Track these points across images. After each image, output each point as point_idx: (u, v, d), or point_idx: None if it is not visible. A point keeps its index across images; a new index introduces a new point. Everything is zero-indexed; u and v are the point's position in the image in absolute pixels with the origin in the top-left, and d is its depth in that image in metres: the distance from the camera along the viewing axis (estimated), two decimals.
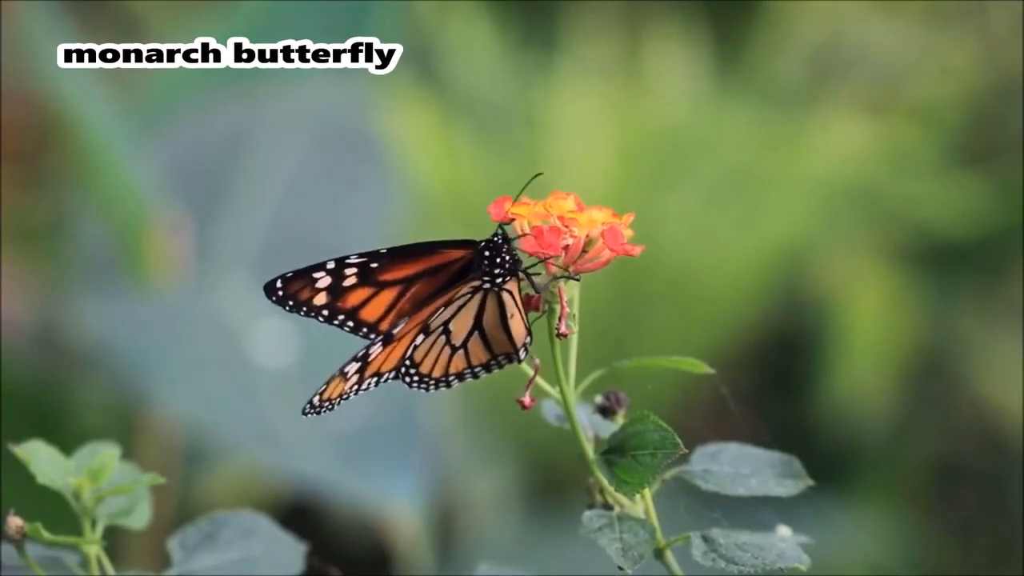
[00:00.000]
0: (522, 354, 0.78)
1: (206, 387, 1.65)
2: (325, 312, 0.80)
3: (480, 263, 0.78)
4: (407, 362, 0.79)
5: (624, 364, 0.79)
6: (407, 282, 0.80)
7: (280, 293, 0.80)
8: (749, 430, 0.88)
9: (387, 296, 0.80)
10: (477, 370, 0.79)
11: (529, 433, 1.97)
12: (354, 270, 0.79)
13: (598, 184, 2.04)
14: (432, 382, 0.79)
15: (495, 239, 0.78)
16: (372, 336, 0.80)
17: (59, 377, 1.84)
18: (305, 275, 0.80)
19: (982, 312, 2.18)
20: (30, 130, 2.10)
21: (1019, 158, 2.20)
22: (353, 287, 0.80)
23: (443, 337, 0.78)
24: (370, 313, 0.80)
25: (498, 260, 0.78)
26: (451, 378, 0.79)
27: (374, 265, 0.79)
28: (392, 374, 0.79)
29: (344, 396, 0.79)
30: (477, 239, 0.79)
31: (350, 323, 0.80)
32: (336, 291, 0.80)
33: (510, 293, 0.78)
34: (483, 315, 0.78)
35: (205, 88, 1.83)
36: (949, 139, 2.23)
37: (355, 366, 0.78)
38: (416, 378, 0.79)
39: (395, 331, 0.78)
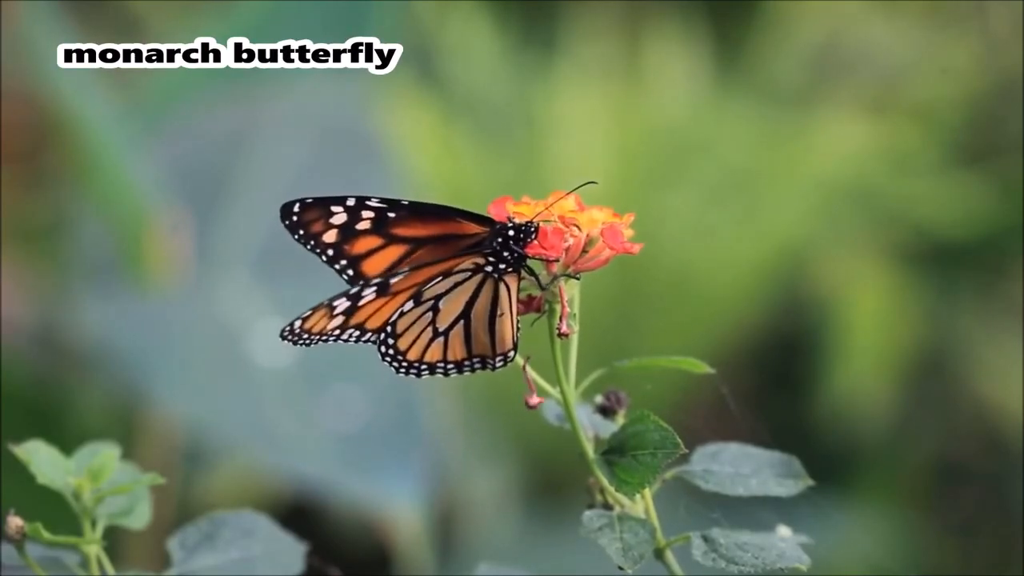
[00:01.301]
0: (498, 362, 0.77)
1: (206, 387, 1.65)
2: (330, 252, 0.79)
3: (493, 241, 0.77)
4: (388, 328, 0.77)
5: (624, 364, 0.79)
6: (416, 243, 0.79)
7: (295, 218, 0.79)
8: (749, 430, 0.88)
9: (393, 252, 0.79)
10: (450, 367, 0.78)
11: (529, 433, 1.97)
12: (371, 214, 0.78)
13: (598, 183, 2.04)
14: (404, 363, 0.78)
15: (526, 225, 0.77)
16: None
17: (59, 377, 1.84)
18: (323, 205, 0.79)
19: (982, 312, 2.18)
20: (30, 130, 2.09)
21: (1019, 158, 2.20)
22: (365, 232, 0.79)
23: (430, 314, 0.77)
24: (372, 266, 0.79)
25: (511, 244, 0.77)
26: (423, 367, 0.78)
27: (391, 215, 0.78)
28: (373, 336, 0.78)
29: (324, 335, 0.78)
30: (495, 219, 0.78)
31: (350, 271, 0.79)
32: (347, 232, 0.79)
33: (508, 289, 0.77)
34: (475, 302, 0.77)
35: (205, 88, 1.83)
36: (949, 139, 2.23)
37: (344, 304, 0.77)
38: (391, 352, 0.78)
39: (393, 281, 0.77)
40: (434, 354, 0.78)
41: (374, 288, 0.77)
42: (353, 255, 0.79)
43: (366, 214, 0.79)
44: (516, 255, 0.77)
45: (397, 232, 0.79)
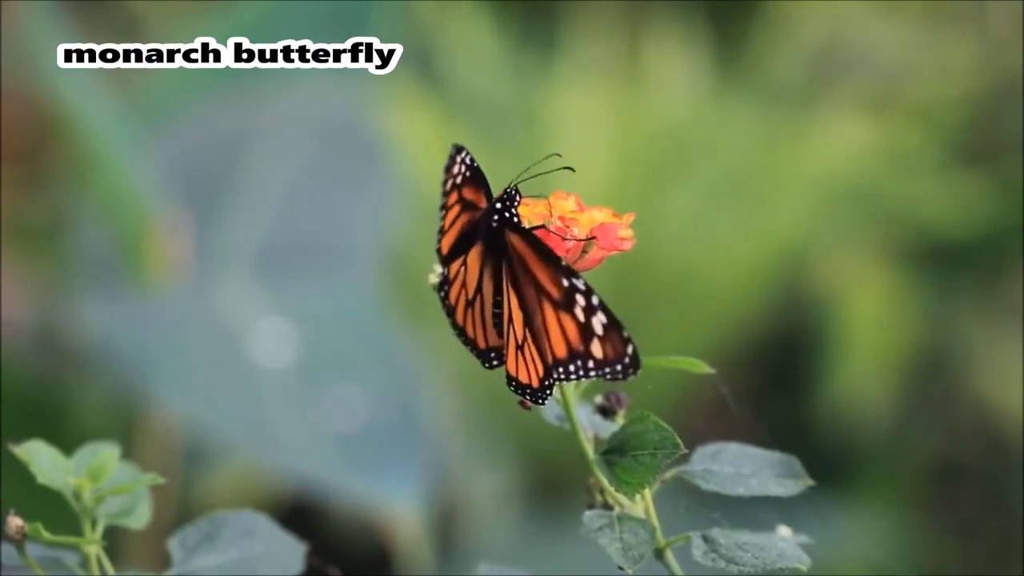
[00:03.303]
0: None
1: (206, 387, 1.65)
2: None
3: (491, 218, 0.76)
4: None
5: None
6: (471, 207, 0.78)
7: None
8: (749, 430, 0.88)
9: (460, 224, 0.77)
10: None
11: (529, 433, 1.97)
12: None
13: (598, 184, 2.04)
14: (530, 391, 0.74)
15: (507, 191, 0.77)
16: None
17: (59, 377, 1.84)
18: None
19: (982, 312, 2.18)
20: (30, 130, 2.10)
21: (1019, 158, 2.20)
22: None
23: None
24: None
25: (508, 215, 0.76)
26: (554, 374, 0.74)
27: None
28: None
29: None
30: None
31: None
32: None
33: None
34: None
35: (205, 88, 1.83)
36: (949, 139, 2.23)
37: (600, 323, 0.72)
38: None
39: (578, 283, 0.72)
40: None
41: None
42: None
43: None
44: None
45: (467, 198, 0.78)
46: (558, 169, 0.80)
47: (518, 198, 0.76)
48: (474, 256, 0.76)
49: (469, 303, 0.76)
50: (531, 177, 0.78)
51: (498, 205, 0.76)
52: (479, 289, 0.76)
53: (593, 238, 0.76)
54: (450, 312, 0.76)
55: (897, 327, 2.14)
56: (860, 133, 2.20)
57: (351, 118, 1.83)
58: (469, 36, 2.22)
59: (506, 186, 0.77)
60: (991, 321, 2.17)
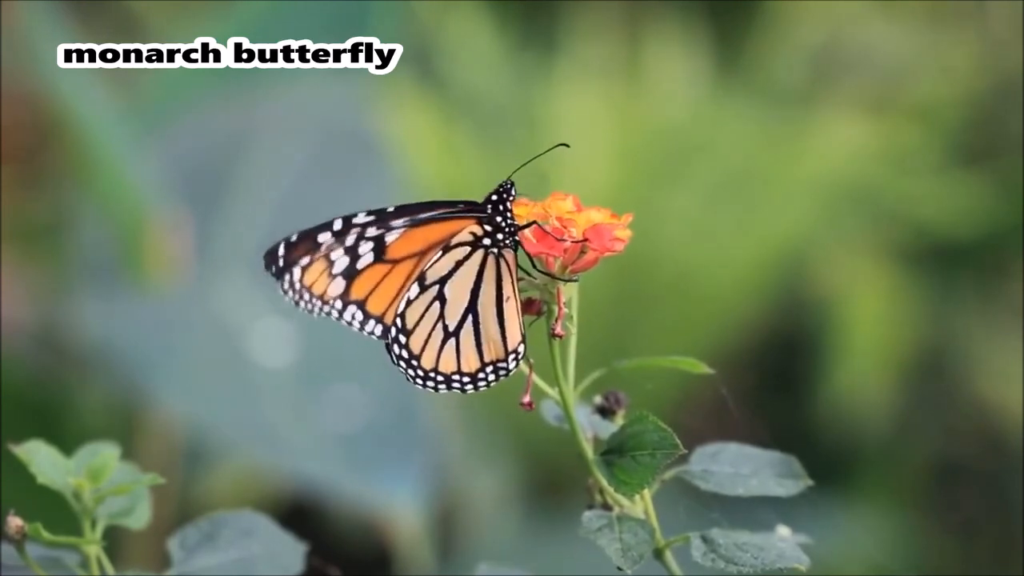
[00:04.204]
0: (511, 363, 0.76)
1: (206, 387, 1.65)
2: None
3: (484, 209, 0.76)
4: (397, 323, 0.75)
5: (623, 364, 0.79)
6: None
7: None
8: (749, 430, 0.88)
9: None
10: (465, 380, 0.76)
11: (529, 433, 1.97)
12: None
13: (598, 184, 2.04)
14: (420, 371, 0.76)
15: (503, 185, 0.76)
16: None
17: (59, 377, 1.84)
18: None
19: (982, 312, 2.18)
20: (30, 130, 2.10)
21: (1019, 158, 2.20)
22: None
23: (438, 306, 0.75)
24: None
25: (502, 208, 0.76)
26: (439, 378, 0.76)
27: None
28: (377, 326, 0.76)
29: (325, 303, 0.75)
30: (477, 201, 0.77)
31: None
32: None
33: (508, 266, 0.76)
34: (480, 288, 0.76)
35: (205, 88, 1.83)
36: (949, 139, 2.23)
37: (343, 260, 0.74)
38: (405, 356, 0.75)
39: (389, 241, 0.75)
40: (448, 363, 0.76)
41: (371, 244, 0.75)
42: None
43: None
44: (510, 221, 0.76)
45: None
46: (552, 148, 0.80)
47: (514, 192, 0.77)
48: None
49: None
50: (529, 162, 0.78)
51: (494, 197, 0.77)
52: None
53: (586, 240, 0.75)
54: None
55: (897, 327, 2.14)
56: (860, 133, 2.20)
57: (351, 118, 1.83)
58: (469, 36, 2.22)
59: (502, 181, 0.77)
60: (991, 321, 2.17)
